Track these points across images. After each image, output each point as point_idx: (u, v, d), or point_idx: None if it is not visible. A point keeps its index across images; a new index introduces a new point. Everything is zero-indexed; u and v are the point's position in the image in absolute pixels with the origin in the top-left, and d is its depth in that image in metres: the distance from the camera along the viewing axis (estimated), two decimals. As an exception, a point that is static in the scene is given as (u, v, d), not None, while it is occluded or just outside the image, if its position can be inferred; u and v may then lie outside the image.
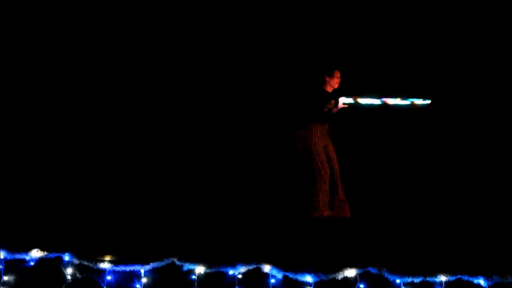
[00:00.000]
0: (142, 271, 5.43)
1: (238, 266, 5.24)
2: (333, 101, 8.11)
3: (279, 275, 5.17)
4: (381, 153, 8.96)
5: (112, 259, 5.47)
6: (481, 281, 5.15)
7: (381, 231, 7.73)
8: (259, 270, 5.22)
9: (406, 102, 8.12)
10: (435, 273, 5.13)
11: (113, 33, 9.20)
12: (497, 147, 9.03)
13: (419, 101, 8.09)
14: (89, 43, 9.18)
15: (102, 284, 5.37)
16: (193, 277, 5.28)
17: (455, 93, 9.11)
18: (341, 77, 8.24)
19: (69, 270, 5.48)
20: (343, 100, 8.12)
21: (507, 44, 8.91)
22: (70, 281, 5.36)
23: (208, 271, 5.28)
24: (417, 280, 5.14)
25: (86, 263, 5.47)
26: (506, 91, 8.93)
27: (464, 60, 9.05)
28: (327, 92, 8.24)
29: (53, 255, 5.54)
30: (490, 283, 5.11)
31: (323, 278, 5.17)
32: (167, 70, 9.21)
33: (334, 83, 8.22)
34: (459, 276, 5.13)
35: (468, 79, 9.02)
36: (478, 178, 9.00)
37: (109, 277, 5.44)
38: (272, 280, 5.21)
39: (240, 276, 5.23)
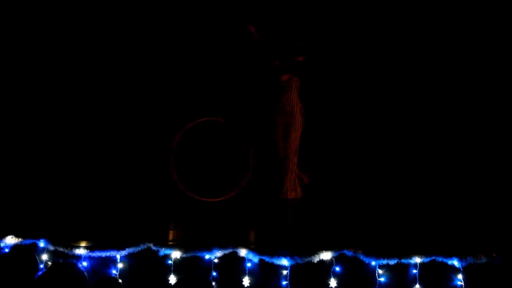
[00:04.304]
0: (118, 256, 5.42)
1: (214, 251, 5.25)
2: None
3: (255, 259, 5.18)
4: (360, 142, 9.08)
5: (87, 245, 5.45)
6: (455, 262, 5.20)
7: (356, 213, 7.78)
8: (235, 254, 5.23)
9: None
10: (409, 255, 5.17)
11: None
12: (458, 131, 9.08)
13: None
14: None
15: (82, 269, 5.36)
16: (169, 262, 5.28)
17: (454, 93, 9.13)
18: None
19: (44, 257, 5.45)
20: None
21: (506, 44, 8.92)
22: (50, 265, 5.34)
23: (184, 255, 5.28)
24: (392, 262, 5.17)
25: (61, 249, 5.45)
26: (506, 90, 8.95)
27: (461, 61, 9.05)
28: None
29: (28, 241, 5.51)
30: (464, 263, 5.16)
31: (299, 261, 5.19)
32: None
33: None
34: (433, 258, 5.18)
35: (467, 79, 9.04)
36: (448, 160, 9.07)
37: (85, 263, 5.42)
38: (248, 264, 5.21)
39: (216, 260, 5.23)
